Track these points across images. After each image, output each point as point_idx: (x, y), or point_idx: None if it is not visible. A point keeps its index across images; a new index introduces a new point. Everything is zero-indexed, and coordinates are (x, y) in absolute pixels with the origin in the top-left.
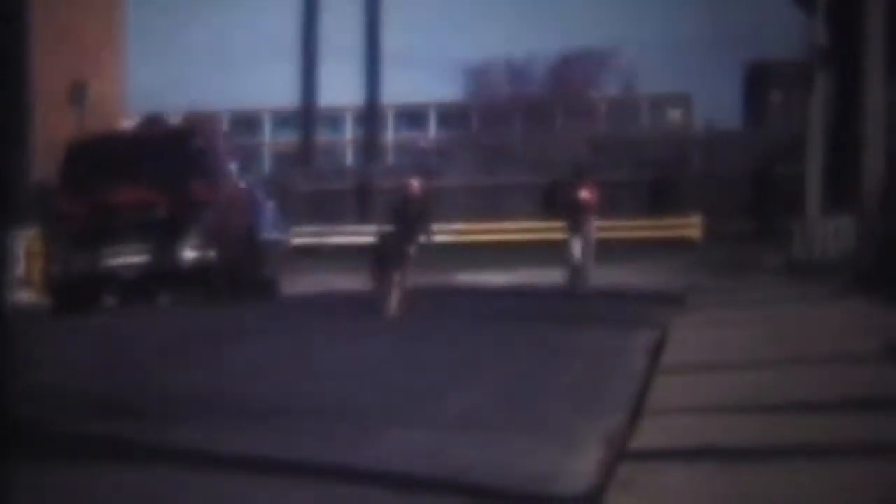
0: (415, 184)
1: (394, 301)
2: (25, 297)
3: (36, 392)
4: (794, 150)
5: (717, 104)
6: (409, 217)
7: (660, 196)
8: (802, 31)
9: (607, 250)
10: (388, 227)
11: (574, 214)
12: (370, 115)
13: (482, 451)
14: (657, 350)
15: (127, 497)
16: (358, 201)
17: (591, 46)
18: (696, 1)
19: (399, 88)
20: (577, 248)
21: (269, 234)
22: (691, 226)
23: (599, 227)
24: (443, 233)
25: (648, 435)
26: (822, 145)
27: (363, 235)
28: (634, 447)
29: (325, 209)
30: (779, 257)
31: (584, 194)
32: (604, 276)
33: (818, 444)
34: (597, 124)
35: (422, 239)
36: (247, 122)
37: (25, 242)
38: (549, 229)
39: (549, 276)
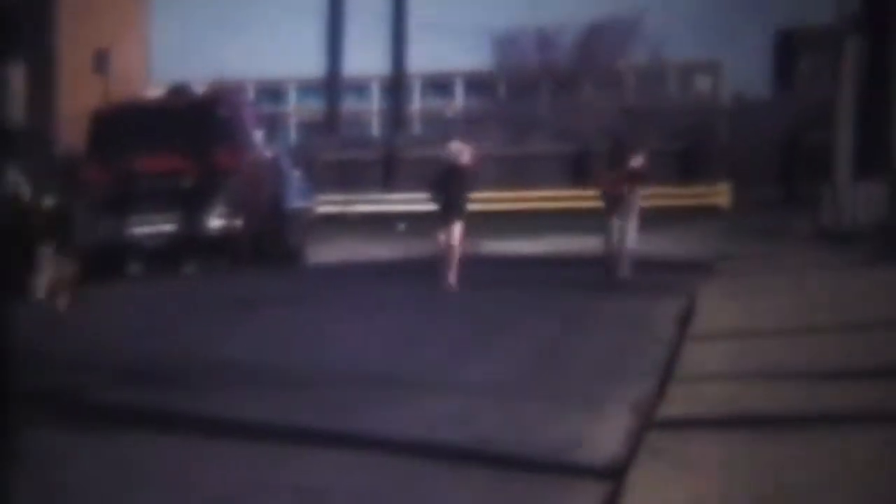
0: (462, 149)
1: (452, 272)
2: None
3: (64, 361)
4: (823, 118)
5: (746, 71)
6: (456, 186)
7: (689, 164)
8: None
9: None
10: (440, 196)
11: (616, 188)
12: (396, 84)
13: (510, 417)
14: (686, 317)
15: (150, 465)
16: (383, 170)
17: (620, 14)
18: None
19: (425, 57)
20: (616, 228)
21: (295, 202)
22: (720, 193)
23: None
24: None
25: (677, 403)
26: (852, 112)
27: (388, 204)
28: (663, 415)
29: (350, 178)
30: (808, 224)
31: (634, 163)
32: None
33: (848, 412)
34: (625, 93)
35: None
36: (272, 91)
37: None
38: (576, 197)
39: (577, 244)
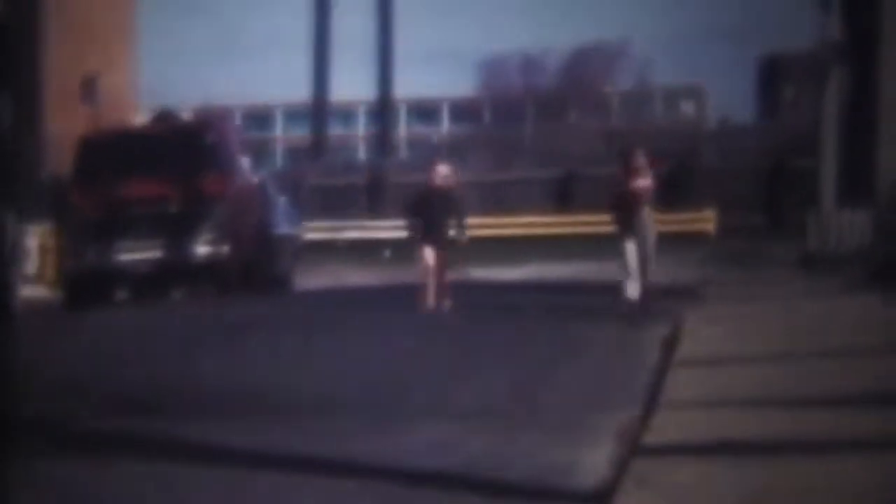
0: (441, 170)
1: (430, 294)
2: (38, 291)
3: (51, 387)
4: (808, 144)
5: (730, 97)
6: (435, 209)
7: (673, 189)
8: (817, 25)
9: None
10: (418, 219)
11: (627, 208)
12: (382, 109)
13: (495, 443)
14: (671, 343)
15: (135, 493)
16: (370, 196)
17: (604, 39)
18: None
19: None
20: (632, 251)
21: (282, 228)
22: (705, 219)
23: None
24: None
25: (662, 429)
26: (837, 139)
27: (375, 230)
28: (648, 442)
29: (337, 203)
30: (793, 251)
31: (641, 182)
32: (617, 270)
33: (833, 439)
34: (610, 117)
35: (454, 234)
36: (259, 117)
37: (39, 237)
38: (562, 223)
39: (560, 271)
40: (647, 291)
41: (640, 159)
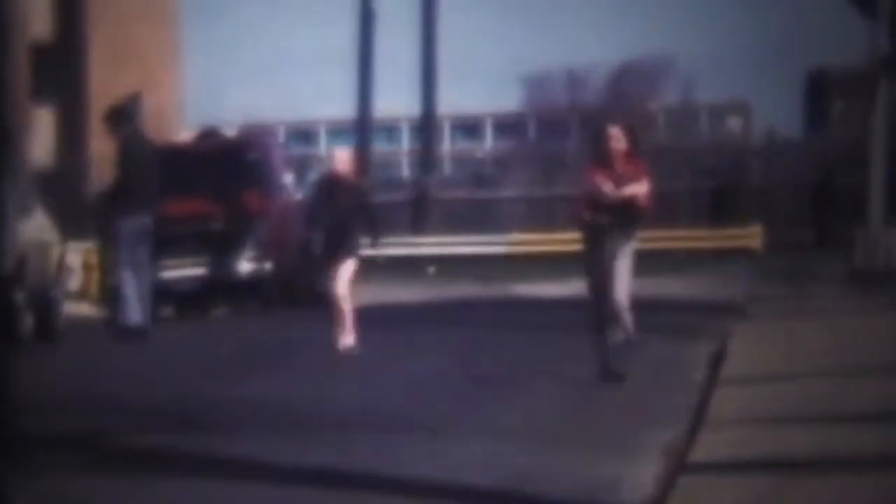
0: (342, 157)
1: (339, 328)
2: (83, 309)
3: (91, 404)
4: (855, 159)
5: (777, 112)
6: (340, 209)
7: (719, 205)
8: (864, 38)
9: (666, 260)
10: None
11: (597, 212)
12: (426, 125)
13: (543, 460)
14: (717, 361)
15: None
16: (414, 212)
17: (650, 55)
18: (755, 9)
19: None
20: (603, 283)
21: None
22: (751, 235)
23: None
24: (498, 244)
25: (708, 447)
26: (885, 154)
27: (418, 247)
28: (694, 459)
29: (380, 220)
30: (840, 267)
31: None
32: (663, 287)
33: (881, 456)
34: (655, 133)
35: (366, 247)
36: (303, 134)
37: (83, 255)
38: None
39: None
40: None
41: (620, 143)
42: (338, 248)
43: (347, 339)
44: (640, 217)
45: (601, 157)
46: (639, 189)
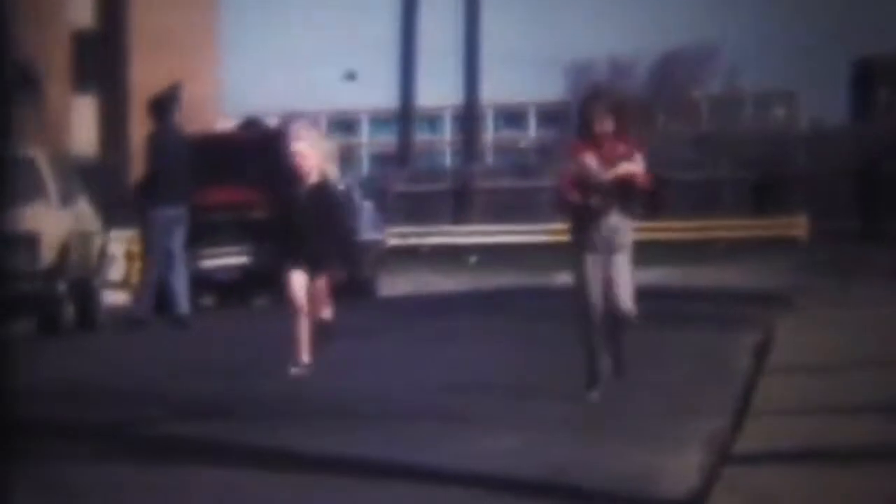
0: (303, 133)
1: (303, 344)
2: (124, 298)
3: (130, 394)
4: None
5: (822, 101)
6: (305, 209)
7: (764, 195)
8: None
9: (710, 250)
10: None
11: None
12: (469, 114)
13: (585, 450)
14: (762, 351)
15: (220, 500)
16: (456, 202)
17: (694, 43)
18: None
19: (498, 87)
20: (596, 278)
21: (366, 234)
22: (797, 225)
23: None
24: (541, 233)
25: (752, 437)
26: None
27: (460, 236)
28: (738, 449)
29: (422, 210)
30: (887, 256)
31: (630, 165)
32: (708, 276)
33: None
34: (699, 122)
35: (337, 262)
36: (345, 123)
37: (125, 244)
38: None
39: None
40: (619, 341)
41: (606, 121)
42: (302, 249)
43: (304, 355)
44: (639, 199)
45: (587, 136)
46: (632, 167)
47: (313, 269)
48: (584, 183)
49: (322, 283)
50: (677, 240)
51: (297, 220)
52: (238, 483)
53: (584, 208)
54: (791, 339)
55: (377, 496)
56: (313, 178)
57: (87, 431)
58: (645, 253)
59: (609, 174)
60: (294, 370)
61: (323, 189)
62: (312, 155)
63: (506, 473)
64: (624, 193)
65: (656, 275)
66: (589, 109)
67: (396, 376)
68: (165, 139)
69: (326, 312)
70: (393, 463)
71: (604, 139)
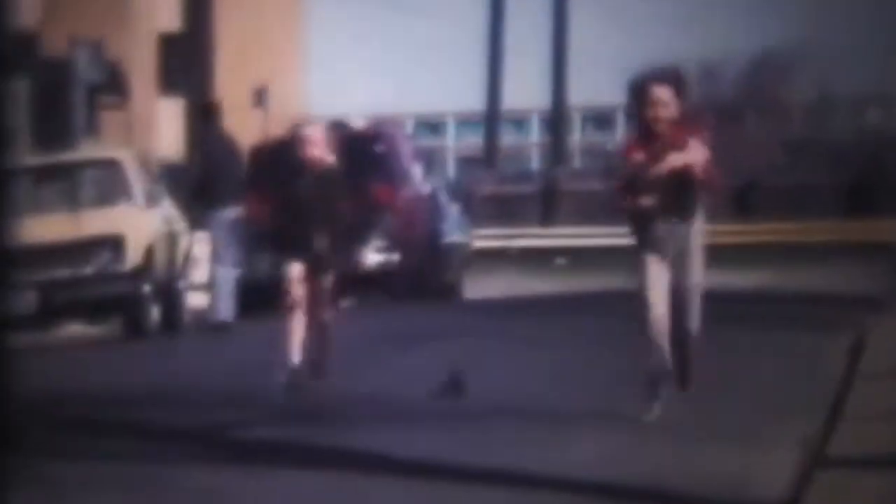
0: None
1: (295, 343)
2: (208, 301)
3: (211, 398)
4: None
5: None
6: (307, 203)
7: (858, 198)
8: None
9: (803, 253)
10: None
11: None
12: (556, 117)
13: (677, 452)
14: (856, 354)
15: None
16: (543, 205)
17: (785, 46)
18: None
19: (586, 89)
20: (659, 283)
21: (452, 237)
22: (891, 229)
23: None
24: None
25: (846, 441)
26: None
27: (547, 238)
28: (832, 453)
29: (508, 213)
30: None
31: (684, 155)
32: (801, 279)
33: None
34: (791, 125)
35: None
36: (431, 125)
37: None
38: (741, 233)
39: (736, 279)
40: (685, 351)
41: (663, 107)
42: (301, 245)
43: (294, 354)
44: (698, 194)
45: (641, 128)
46: (686, 158)
47: (317, 267)
48: (633, 185)
49: (328, 283)
50: (769, 242)
51: (299, 210)
52: (315, 485)
53: (637, 212)
54: (885, 343)
55: (468, 498)
56: (319, 166)
57: (159, 435)
58: (737, 256)
59: (658, 170)
60: (281, 375)
61: (327, 178)
62: (320, 143)
63: (598, 477)
64: (678, 189)
65: (748, 278)
66: (636, 99)
67: (484, 378)
68: (214, 144)
69: (327, 315)
70: (483, 466)
71: (658, 128)
